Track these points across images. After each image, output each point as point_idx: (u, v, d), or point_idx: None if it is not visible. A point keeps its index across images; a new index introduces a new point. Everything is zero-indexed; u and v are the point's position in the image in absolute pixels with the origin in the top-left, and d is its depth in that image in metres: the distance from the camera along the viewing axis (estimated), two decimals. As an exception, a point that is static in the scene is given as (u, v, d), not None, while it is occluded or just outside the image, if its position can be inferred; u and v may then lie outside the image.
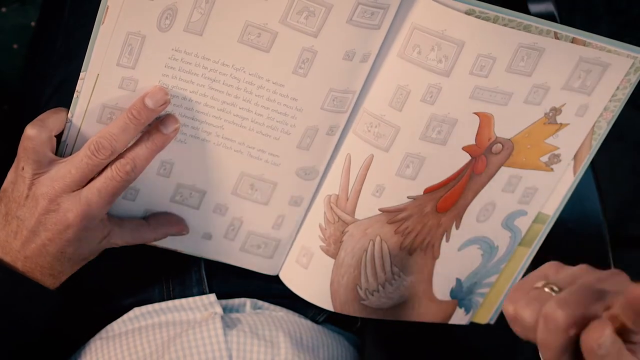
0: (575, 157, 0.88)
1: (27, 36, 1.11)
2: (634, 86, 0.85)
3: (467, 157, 0.86)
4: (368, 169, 0.86)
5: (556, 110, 0.85)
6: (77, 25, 1.04)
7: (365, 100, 0.85)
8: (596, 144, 0.88)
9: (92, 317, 0.96)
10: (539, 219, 0.91)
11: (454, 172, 0.87)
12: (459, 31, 0.79)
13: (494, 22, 0.78)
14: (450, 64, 0.81)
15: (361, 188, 0.87)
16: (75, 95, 0.81)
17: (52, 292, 0.85)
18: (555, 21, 1.14)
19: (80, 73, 0.80)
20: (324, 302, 0.93)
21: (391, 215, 0.88)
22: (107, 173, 0.81)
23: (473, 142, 0.85)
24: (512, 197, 0.90)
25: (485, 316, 0.97)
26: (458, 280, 0.94)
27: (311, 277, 0.92)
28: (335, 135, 0.87)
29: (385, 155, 0.85)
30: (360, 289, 0.91)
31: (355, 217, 0.88)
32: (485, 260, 0.93)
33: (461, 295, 0.95)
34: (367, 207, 0.88)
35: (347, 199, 0.88)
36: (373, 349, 0.97)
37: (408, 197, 0.87)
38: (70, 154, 0.83)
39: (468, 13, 0.78)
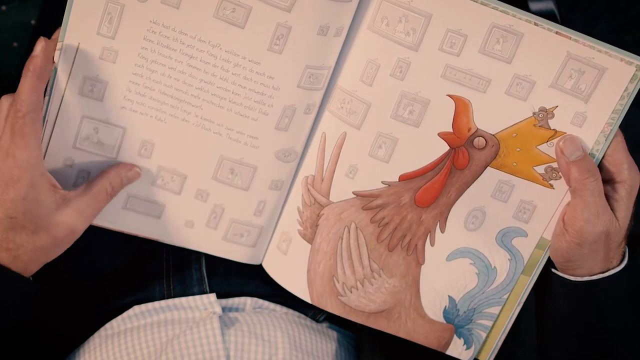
0: None
1: (27, 34, 1.13)
2: (633, 97, 0.81)
3: (444, 146, 0.85)
4: (341, 148, 0.86)
5: (547, 112, 0.82)
6: None
7: (339, 76, 0.86)
8: (594, 160, 0.83)
9: (93, 314, 0.97)
10: (540, 244, 0.87)
11: (431, 161, 0.85)
12: (426, 3, 0.80)
13: None
14: (418, 38, 0.81)
15: (335, 168, 0.87)
16: (53, 68, 0.83)
17: (4, 269, 0.83)
18: (556, 20, 1.13)
19: (57, 44, 0.82)
20: (302, 291, 0.92)
21: (366, 200, 0.87)
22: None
23: (450, 129, 0.84)
24: (505, 208, 0.86)
25: (485, 354, 0.92)
26: (451, 299, 0.90)
27: (290, 263, 0.92)
28: (312, 114, 0.88)
29: (358, 133, 0.85)
30: (338, 281, 0.90)
31: (330, 199, 0.88)
32: (482, 283, 0.89)
33: (458, 321, 0.91)
34: (342, 189, 0.87)
35: (322, 180, 0.88)
36: (371, 348, 0.95)
37: (382, 182, 0.86)
38: (52, 130, 0.85)
39: None
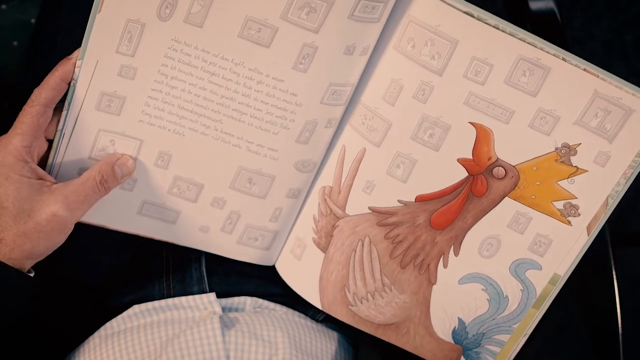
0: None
1: (27, 33, 1.12)
2: None
3: (463, 172, 0.85)
4: (360, 163, 0.87)
5: (569, 149, 0.82)
6: (77, 22, 1.06)
7: (363, 93, 0.86)
8: (613, 202, 0.82)
9: (93, 313, 0.97)
10: (552, 279, 0.87)
11: (449, 185, 0.86)
12: (453, 29, 0.80)
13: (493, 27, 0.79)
14: (443, 62, 0.81)
15: (352, 182, 0.88)
16: (71, 84, 0.83)
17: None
18: (555, 18, 1.12)
19: (77, 61, 0.82)
20: (313, 297, 0.93)
21: (381, 217, 0.88)
22: None
23: (470, 155, 0.85)
24: (520, 239, 0.86)
25: None
26: (461, 321, 0.91)
27: (303, 269, 0.93)
28: (332, 128, 0.88)
29: (377, 150, 0.86)
30: (349, 291, 0.92)
31: (346, 211, 0.89)
32: (492, 309, 0.89)
33: (467, 344, 0.92)
34: (358, 203, 0.89)
35: (340, 192, 0.89)
36: (368, 347, 0.97)
37: (399, 201, 0.87)
38: (68, 142, 0.85)
39: (466, 13, 0.79)
